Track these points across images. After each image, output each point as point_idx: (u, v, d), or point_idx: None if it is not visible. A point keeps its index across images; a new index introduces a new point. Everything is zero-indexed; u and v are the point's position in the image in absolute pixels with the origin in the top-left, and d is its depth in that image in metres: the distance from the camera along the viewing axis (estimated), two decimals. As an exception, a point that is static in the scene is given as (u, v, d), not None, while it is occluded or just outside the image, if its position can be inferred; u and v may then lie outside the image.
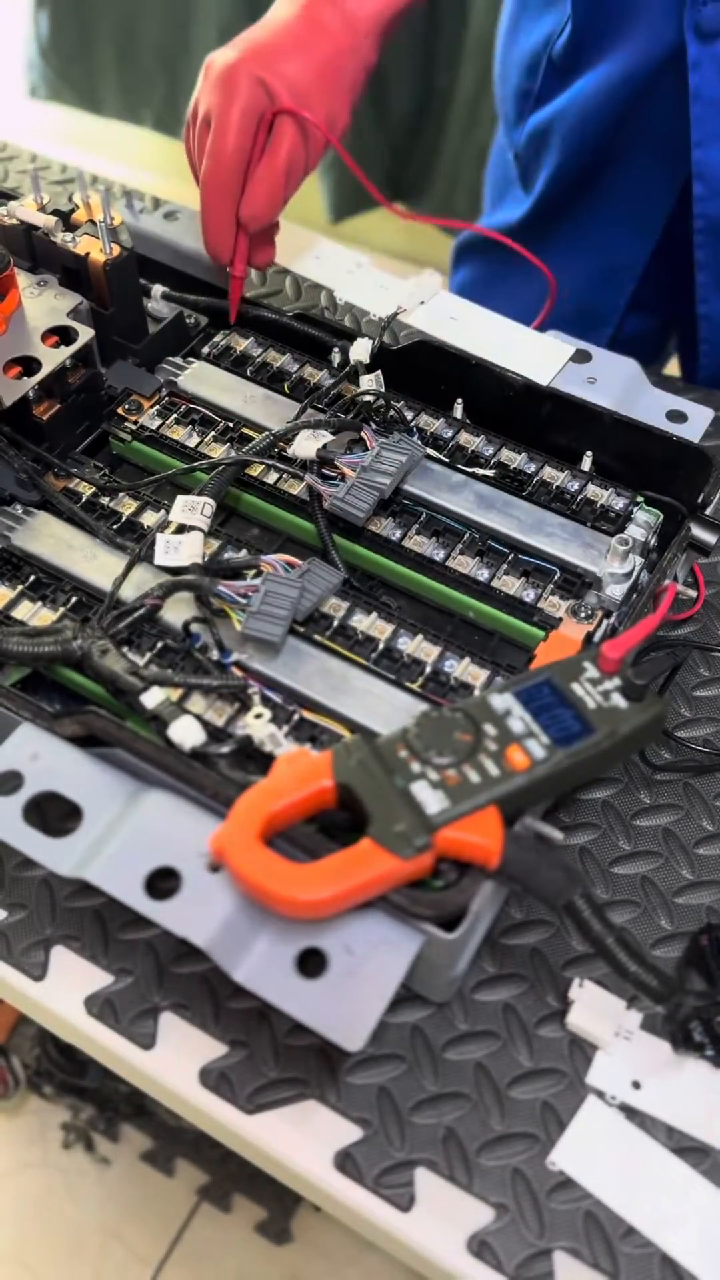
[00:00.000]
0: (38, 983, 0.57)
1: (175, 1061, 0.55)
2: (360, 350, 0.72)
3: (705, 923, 0.59)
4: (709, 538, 0.66)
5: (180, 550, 0.62)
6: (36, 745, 0.55)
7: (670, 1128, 0.53)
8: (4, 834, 0.52)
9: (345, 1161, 0.53)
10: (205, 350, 0.76)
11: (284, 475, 0.68)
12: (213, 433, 0.71)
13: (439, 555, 0.66)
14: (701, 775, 0.65)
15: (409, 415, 0.72)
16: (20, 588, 0.62)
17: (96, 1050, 0.57)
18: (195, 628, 0.60)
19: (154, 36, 2.02)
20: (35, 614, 0.62)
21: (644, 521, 0.68)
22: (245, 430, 0.71)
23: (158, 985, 0.57)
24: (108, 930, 0.58)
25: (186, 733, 0.55)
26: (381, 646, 0.61)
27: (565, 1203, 0.52)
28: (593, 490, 0.69)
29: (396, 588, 0.67)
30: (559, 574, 0.65)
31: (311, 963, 0.50)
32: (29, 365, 0.65)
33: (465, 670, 0.60)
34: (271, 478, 0.69)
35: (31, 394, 0.65)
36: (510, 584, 0.65)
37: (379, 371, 0.72)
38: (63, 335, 0.67)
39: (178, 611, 0.61)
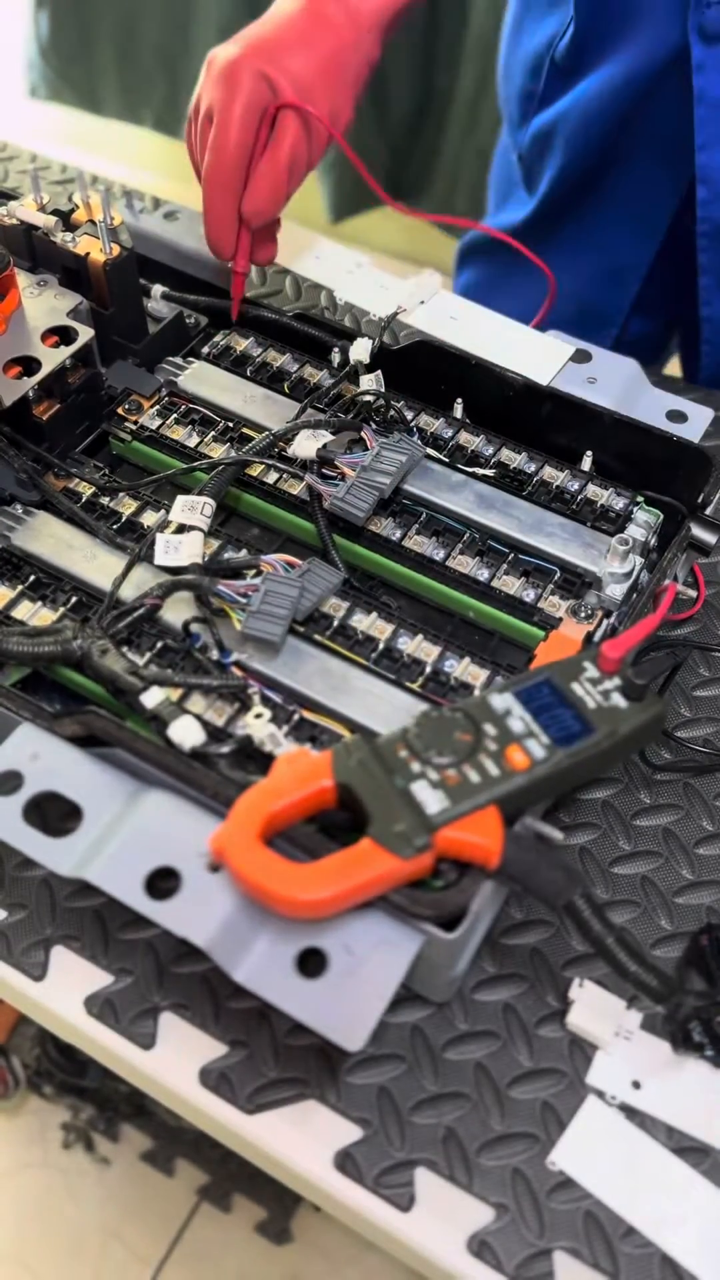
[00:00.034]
0: (38, 983, 0.57)
1: (175, 1061, 0.55)
2: (360, 350, 0.72)
3: (705, 923, 0.59)
4: (709, 538, 0.66)
5: (180, 550, 0.62)
6: (36, 745, 0.55)
7: (670, 1128, 0.53)
8: (4, 834, 0.52)
9: (345, 1161, 0.53)
10: (205, 350, 0.76)
11: (284, 475, 0.68)
12: (213, 433, 0.71)
13: (439, 555, 0.66)
14: (701, 775, 0.65)
15: (409, 415, 0.72)
16: (20, 588, 0.62)
17: (96, 1050, 0.57)
18: (195, 627, 0.60)
19: (154, 36, 2.02)
20: (35, 614, 0.62)
21: (644, 521, 0.68)
22: (245, 430, 0.71)
23: (158, 985, 0.57)
24: (108, 930, 0.58)
25: (186, 733, 0.55)
26: (381, 646, 0.61)
27: (565, 1203, 0.52)
28: (593, 490, 0.69)
29: (396, 588, 0.67)
30: (559, 574, 0.65)
31: (311, 963, 0.50)
32: (29, 365, 0.65)
33: (465, 670, 0.60)
34: (271, 478, 0.69)
35: (31, 394, 0.65)
36: (510, 584, 0.65)
37: (379, 371, 0.72)
38: (63, 335, 0.67)
39: (178, 611, 0.61)
